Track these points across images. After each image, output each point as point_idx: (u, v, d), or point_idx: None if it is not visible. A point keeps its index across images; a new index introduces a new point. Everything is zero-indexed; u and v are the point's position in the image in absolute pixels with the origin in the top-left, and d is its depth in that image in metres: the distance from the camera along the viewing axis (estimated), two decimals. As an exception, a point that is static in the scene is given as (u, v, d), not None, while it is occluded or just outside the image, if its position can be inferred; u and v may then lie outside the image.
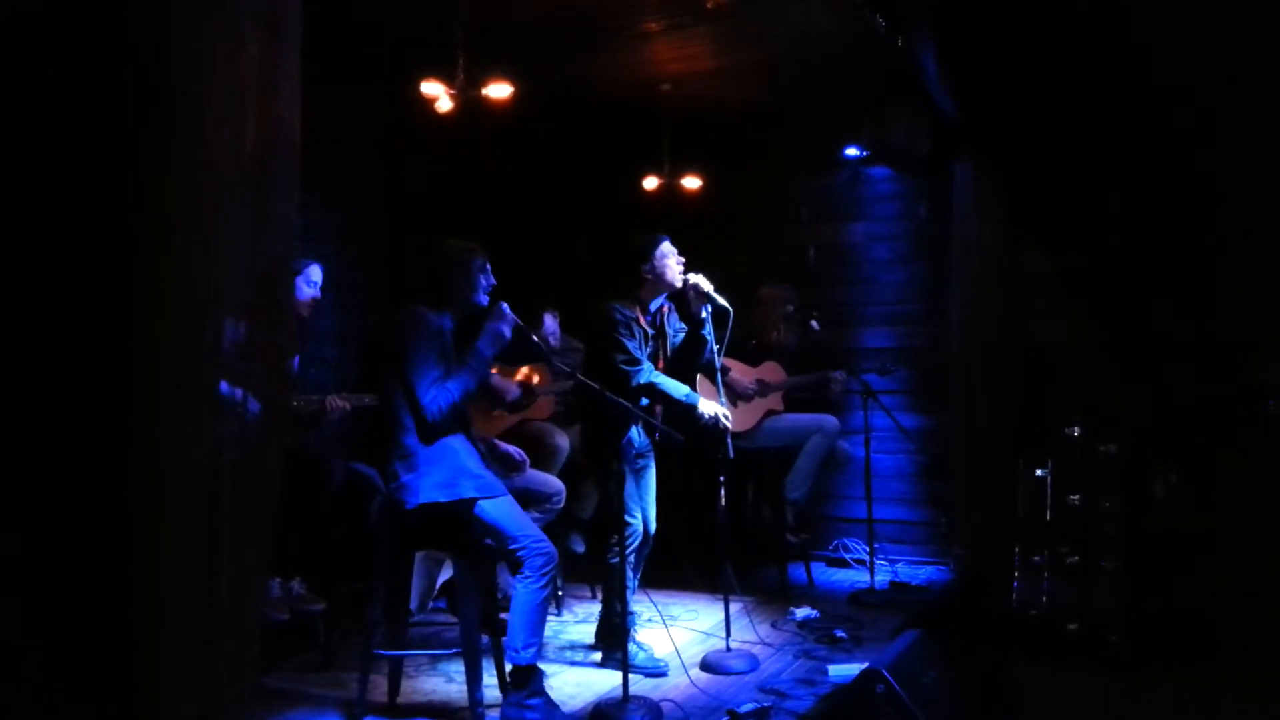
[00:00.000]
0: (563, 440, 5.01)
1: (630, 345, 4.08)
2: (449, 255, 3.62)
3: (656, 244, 4.19)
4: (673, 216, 5.88)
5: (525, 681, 3.45)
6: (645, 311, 4.21)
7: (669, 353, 4.30)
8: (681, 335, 4.33)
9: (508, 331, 3.54)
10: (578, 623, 4.91)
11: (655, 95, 5.73)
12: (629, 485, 4.10)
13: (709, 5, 4.58)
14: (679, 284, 4.16)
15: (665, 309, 4.31)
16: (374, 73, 5.14)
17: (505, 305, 3.55)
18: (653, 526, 4.30)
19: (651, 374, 4.09)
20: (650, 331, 4.22)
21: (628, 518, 4.10)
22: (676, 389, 4.12)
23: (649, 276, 4.17)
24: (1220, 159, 5.49)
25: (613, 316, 4.11)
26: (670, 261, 4.17)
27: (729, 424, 4.16)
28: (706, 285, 4.13)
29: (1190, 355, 5.54)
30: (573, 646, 4.50)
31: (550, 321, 5.53)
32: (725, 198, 6.29)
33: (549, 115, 5.76)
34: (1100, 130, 5.79)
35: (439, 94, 4.40)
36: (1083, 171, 5.90)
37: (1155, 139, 5.67)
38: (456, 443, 3.50)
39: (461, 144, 5.18)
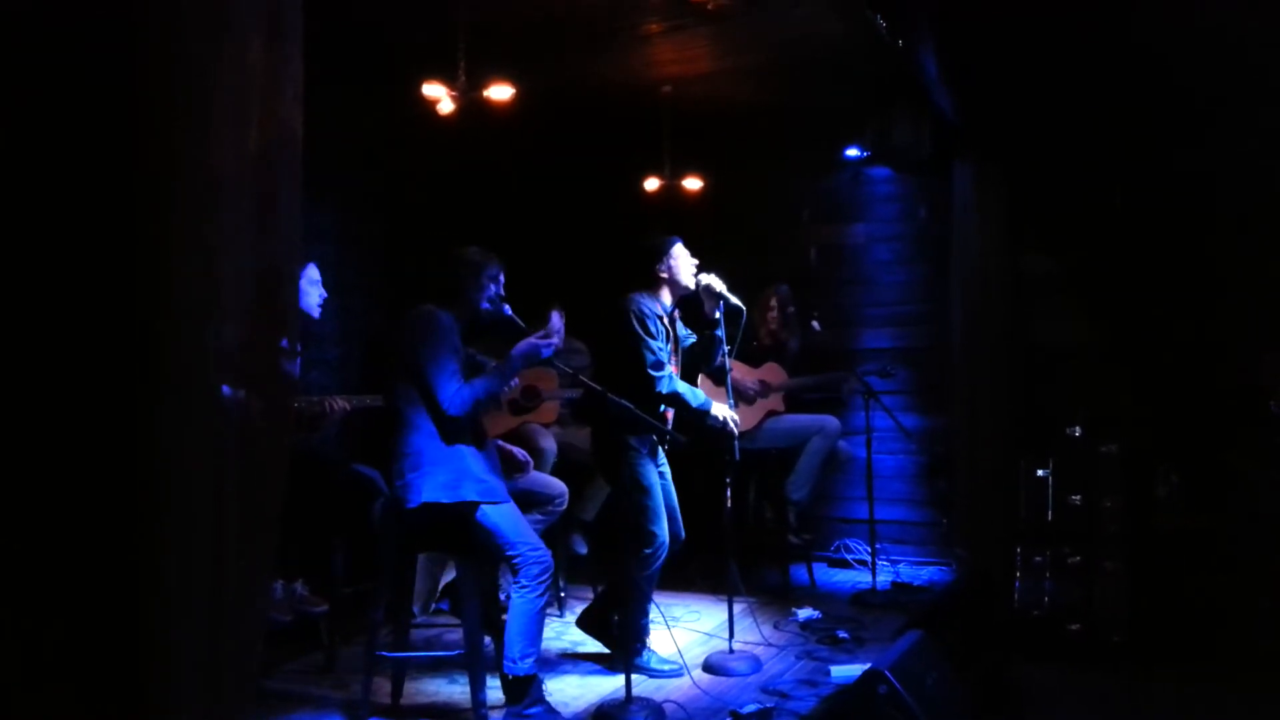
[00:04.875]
0: (549, 443, 5.02)
1: (655, 346, 4.00)
2: (464, 258, 3.63)
3: (670, 244, 4.16)
4: (674, 218, 5.87)
5: (524, 692, 3.45)
6: (664, 310, 4.19)
7: (680, 356, 4.28)
8: (690, 339, 4.30)
9: (546, 354, 3.58)
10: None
11: (656, 96, 5.73)
12: (655, 495, 4.02)
13: (710, 6, 4.59)
14: (693, 286, 4.15)
15: (675, 314, 4.28)
16: (376, 74, 5.14)
17: (555, 330, 3.57)
18: (681, 531, 4.20)
19: (675, 381, 4.04)
20: (668, 331, 4.17)
21: (655, 528, 3.98)
22: (694, 396, 4.07)
23: (663, 275, 4.14)
24: (1221, 159, 5.49)
25: (639, 309, 4.02)
26: (684, 263, 4.16)
27: (737, 427, 4.15)
28: (719, 285, 4.12)
29: (1192, 355, 5.54)
30: (575, 648, 4.49)
31: (556, 319, 5.53)
32: (726, 199, 6.29)
33: (550, 117, 5.76)
34: (1101, 130, 5.79)
35: (440, 96, 4.41)
36: (1084, 171, 5.90)
37: (1156, 139, 5.67)
38: (464, 447, 3.49)
39: (463, 145, 5.18)
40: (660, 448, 4.15)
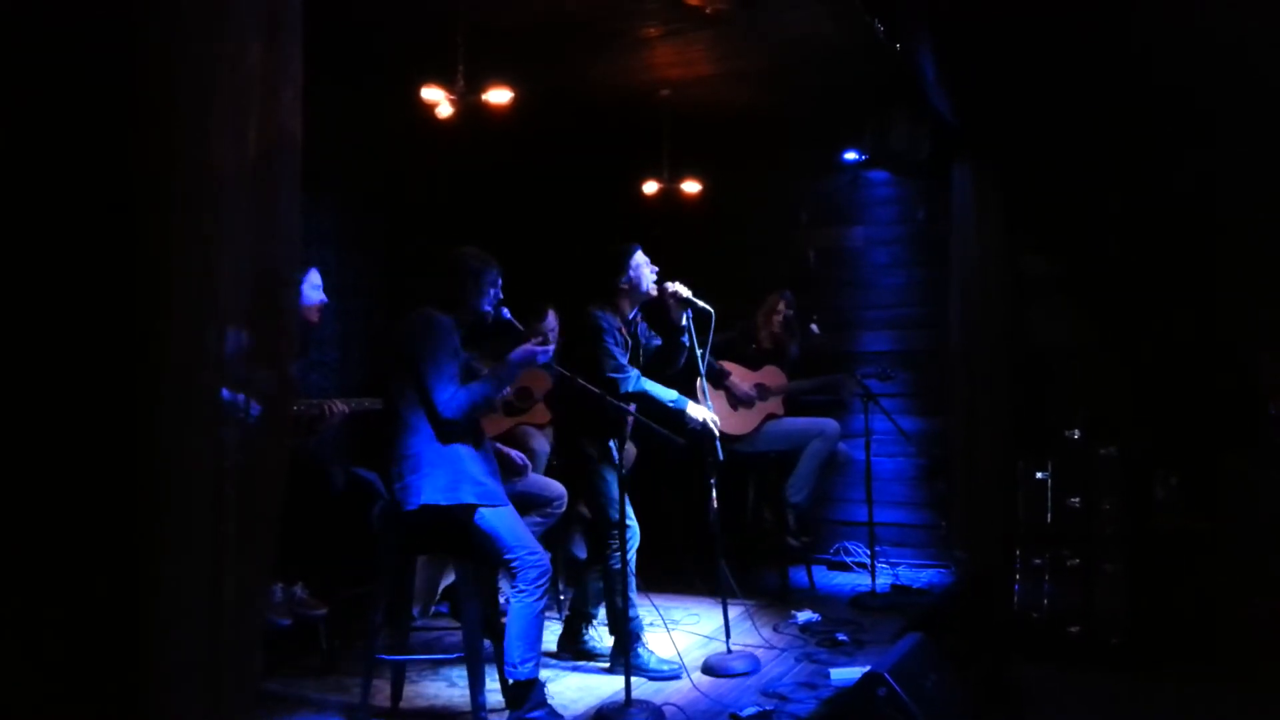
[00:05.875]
0: (542, 444, 5.02)
1: (616, 352, 4.08)
2: (465, 263, 3.64)
3: (630, 254, 4.19)
4: (672, 221, 5.89)
5: (525, 696, 3.44)
6: (625, 321, 4.22)
7: (642, 360, 4.31)
8: (656, 342, 4.34)
9: (543, 360, 3.60)
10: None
11: (655, 100, 5.74)
12: (612, 487, 4.02)
13: (708, 10, 4.60)
14: (654, 293, 4.18)
15: (635, 317, 4.32)
16: (375, 77, 5.15)
17: (552, 324, 3.59)
18: None
19: (639, 381, 4.10)
20: (629, 340, 4.22)
21: (616, 517, 4.01)
22: (665, 394, 4.13)
23: (625, 287, 4.17)
24: (1219, 160, 5.50)
25: (598, 324, 4.09)
26: (645, 271, 4.19)
27: (717, 427, 4.17)
28: (685, 291, 4.15)
29: (1190, 357, 5.55)
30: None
31: (552, 319, 5.54)
32: (725, 202, 6.30)
33: (549, 120, 5.77)
34: (1099, 132, 5.80)
35: (439, 99, 4.41)
36: (1082, 174, 5.92)
37: (1154, 141, 5.68)
38: (463, 449, 3.49)
39: (463, 147, 5.19)
40: (618, 449, 4.16)
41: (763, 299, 5.85)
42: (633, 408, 4.12)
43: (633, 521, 4.10)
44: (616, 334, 4.13)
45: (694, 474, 4.87)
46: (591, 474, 4.08)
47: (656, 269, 4.23)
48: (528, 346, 3.59)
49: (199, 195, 1.79)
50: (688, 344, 4.20)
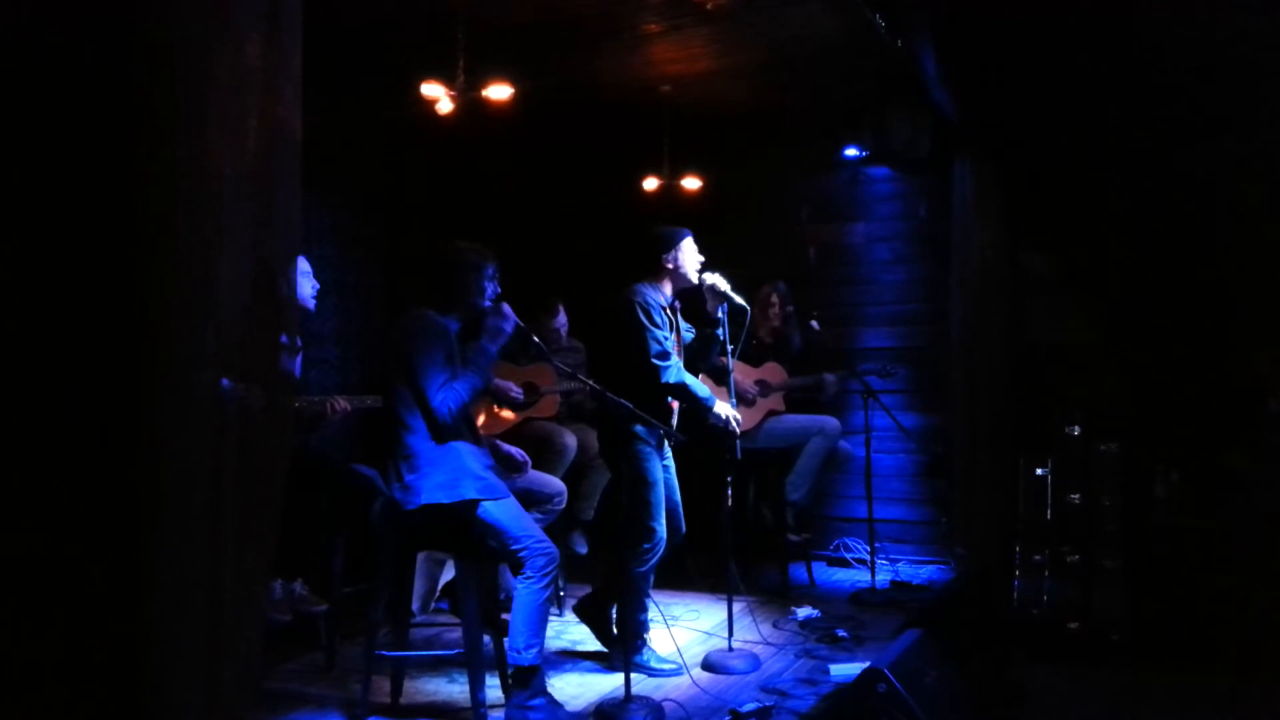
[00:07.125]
0: (570, 440, 5.01)
1: (660, 336, 3.98)
2: (458, 259, 3.63)
3: (681, 236, 4.15)
4: (673, 218, 5.86)
5: (527, 682, 3.46)
6: (667, 302, 4.18)
7: (682, 349, 4.27)
8: (691, 334, 4.31)
9: (509, 327, 3.59)
10: (579, 623, 4.90)
11: (655, 96, 5.73)
12: (658, 491, 4.01)
13: (709, 6, 4.59)
14: (695, 280, 4.15)
15: (676, 305, 4.29)
16: (374, 74, 5.14)
17: (506, 305, 3.59)
18: (683, 526, 4.21)
19: (681, 372, 4.02)
20: (673, 321, 4.16)
21: (654, 524, 3.98)
22: (700, 390, 4.05)
23: (669, 266, 4.12)
24: (1220, 158, 5.49)
25: (644, 301, 4.00)
26: (690, 257, 4.15)
27: (739, 426, 4.15)
28: (724, 284, 4.11)
29: (1190, 354, 5.55)
30: (575, 646, 4.50)
31: (562, 316, 5.55)
32: (725, 198, 6.28)
33: (549, 116, 5.76)
34: (1100, 129, 5.79)
35: (439, 95, 4.41)
36: (1082, 171, 5.91)
37: (1155, 138, 5.68)
38: (460, 444, 3.50)
39: (462, 145, 5.19)
40: (666, 441, 4.13)
41: (758, 295, 5.85)
42: (675, 404, 4.10)
43: (661, 528, 4.01)
44: (661, 313, 4.05)
45: (702, 471, 4.87)
46: (636, 477, 3.97)
47: (703, 259, 4.21)
48: (488, 320, 3.59)
49: (199, 193, 1.79)
50: (723, 338, 4.16)
